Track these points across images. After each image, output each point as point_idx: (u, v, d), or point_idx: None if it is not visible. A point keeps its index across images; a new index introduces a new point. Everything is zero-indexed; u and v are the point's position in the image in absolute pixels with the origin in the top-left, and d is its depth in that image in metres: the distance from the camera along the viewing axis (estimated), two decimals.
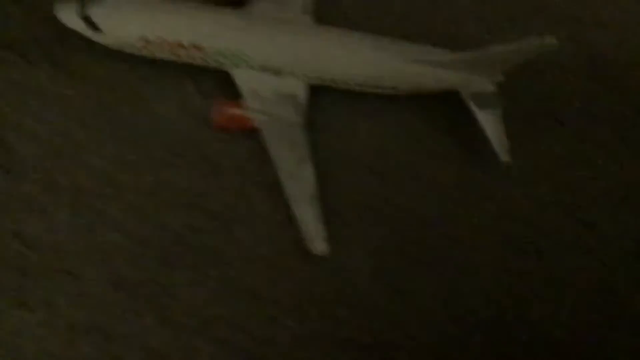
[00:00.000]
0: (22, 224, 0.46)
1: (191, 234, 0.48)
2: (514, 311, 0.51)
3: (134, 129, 0.50)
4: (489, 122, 0.53)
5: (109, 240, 0.47)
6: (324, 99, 0.53)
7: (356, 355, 0.48)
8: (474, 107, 0.53)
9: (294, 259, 0.49)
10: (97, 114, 0.50)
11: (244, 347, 0.47)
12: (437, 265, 0.51)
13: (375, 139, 0.54)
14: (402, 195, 0.53)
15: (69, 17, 0.48)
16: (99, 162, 0.48)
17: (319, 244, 0.47)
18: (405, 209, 0.52)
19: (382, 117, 0.55)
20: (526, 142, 0.57)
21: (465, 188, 0.54)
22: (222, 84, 0.51)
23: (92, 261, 0.47)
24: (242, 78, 0.51)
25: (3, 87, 0.49)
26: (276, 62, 0.50)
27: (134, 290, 0.47)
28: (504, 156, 0.52)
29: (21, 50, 0.50)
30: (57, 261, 0.46)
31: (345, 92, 0.53)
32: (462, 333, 0.50)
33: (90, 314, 0.45)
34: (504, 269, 0.52)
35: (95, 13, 0.47)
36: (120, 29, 0.48)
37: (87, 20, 0.48)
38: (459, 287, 0.51)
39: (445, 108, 0.56)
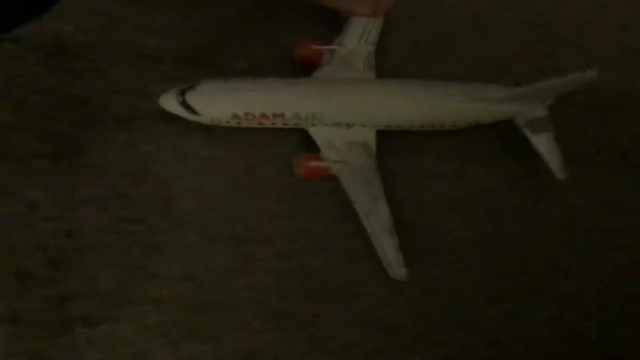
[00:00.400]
0: (191, 269, 0.55)
1: (328, 271, 0.56)
2: (625, 334, 0.56)
3: (275, 183, 0.59)
4: (543, 144, 0.58)
5: (260, 278, 0.55)
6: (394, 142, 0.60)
7: None
8: (528, 133, 0.59)
9: (416, 291, 0.56)
10: (244, 172, 0.59)
11: None
12: (546, 292, 0.57)
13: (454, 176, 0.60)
14: (503, 228, 0.59)
15: (171, 105, 0.56)
16: (249, 214, 0.57)
17: (398, 270, 0.53)
18: (508, 242, 0.59)
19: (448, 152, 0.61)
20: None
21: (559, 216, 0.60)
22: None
23: (247, 296, 0.55)
24: (318, 134, 0.58)
25: (167, 154, 0.59)
26: (346, 118, 0.57)
27: (284, 321, 0.54)
28: (560, 174, 0.57)
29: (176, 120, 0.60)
30: (219, 298, 0.55)
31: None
32: (572, 356, 0.56)
33: (249, 343, 0.53)
34: (612, 295, 0.58)
35: (191, 99, 0.56)
36: (213, 110, 0.56)
37: (185, 105, 0.56)
38: (566, 312, 0.57)
39: (504, 134, 0.61)
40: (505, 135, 0.61)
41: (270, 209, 0.58)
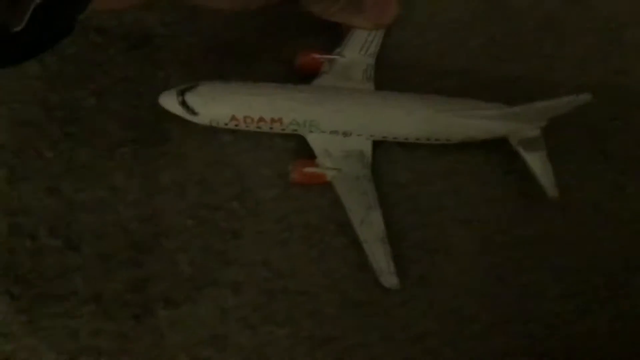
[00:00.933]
0: (269, 255, 0.56)
1: (402, 262, 0.57)
2: None
3: None
4: (536, 163, 0.58)
5: (336, 267, 0.56)
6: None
7: (544, 358, 0.54)
8: (522, 151, 0.59)
9: (488, 284, 0.57)
10: None
11: (451, 358, 0.54)
12: (620, 288, 0.57)
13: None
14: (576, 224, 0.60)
15: (170, 104, 0.56)
16: (325, 203, 0.58)
17: (390, 278, 0.54)
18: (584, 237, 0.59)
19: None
20: None
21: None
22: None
23: (324, 284, 0.56)
24: (315, 141, 0.58)
25: (244, 144, 0.60)
26: (344, 127, 0.58)
27: (358, 309, 0.55)
28: (552, 192, 0.57)
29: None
30: (296, 285, 0.56)
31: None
32: None
33: (326, 329, 0.54)
34: None
35: (191, 100, 0.56)
36: (212, 111, 0.56)
37: (185, 105, 0.56)
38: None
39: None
40: None
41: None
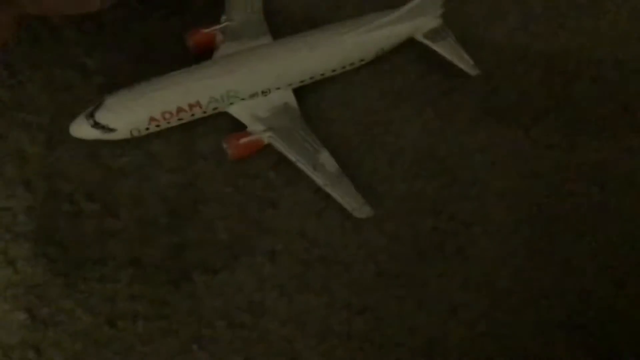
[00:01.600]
0: (305, 226, 0.56)
1: (437, 234, 0.56)
2: None
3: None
4: (447, 50, 0.59)
5: (373, 239, 0.56)
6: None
7: (579, 332, 0.54)
8: (430, 44, 0.60)
9: (521, 259, 0.56)
10: (354, 136, 0.59)
11: (485, 331, 0.54)
12: None
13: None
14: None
15: (84, 131, 0.54)
16: (361, 174, 0.57)
17: (363, 210, 0.54)
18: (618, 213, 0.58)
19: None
20: None
21: None
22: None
23: (359, 255, 0.55)
24: (239, 111, 0.57)
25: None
26: (260, 86, 0.57)
27: (394, 279, 0.55)
28: (472, 71, 0.59)
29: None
30: (332, 255, 0.55)
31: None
32: None
33: (361, 299, 0.54)
34: None
35: (103, 118, 0.53)
36: (128, 121, 0.54)
37: (98, 126, 0.54)
38: None
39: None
40: None
41: (381, 171, 0.58)
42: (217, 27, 0.60)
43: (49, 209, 0.55)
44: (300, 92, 0.59)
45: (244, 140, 0.56)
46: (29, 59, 0.59)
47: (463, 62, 0.59)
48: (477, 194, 0.58)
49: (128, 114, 0.54)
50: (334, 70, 0.59)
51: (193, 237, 0.54)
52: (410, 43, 0.62)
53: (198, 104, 0.55)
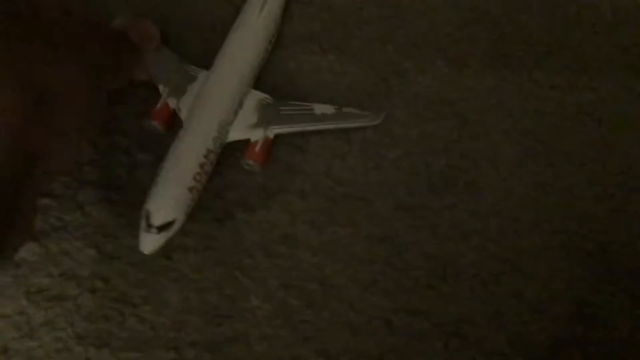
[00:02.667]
0: (331, 167, 0.62)
1: (450, 170, 0.61)
2: None
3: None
4: None
5: (391, 176, 0.61)
6: None
7: (579, 253, 0.59)
8: None
9: (530, 188, 0.61)
10: (373, 85, 0.64)
11: (495, 254, 0.59)
12: None
13: None
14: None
15: (154, 242, 0.54)
16: (379, 121, 0.63)
17: (377, 117, 0.61)
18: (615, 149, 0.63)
19: None
20: None
21: None
22: None
23: (379, 191, 0.61)
24: (235, 133, 0.60)
25: (306, 68, 0.65)
26: (235, 101, 0.60)
27: (411, 212, 0.60)
28: None
29: None
30: (355, 192, 0.61)
31: None
32: None
33: (382, 229, 0.60)
34: None
35: (159, 219, 0.53)
36: (177, 205, 0.54)
37: (162, 228, 0.54)
38: None
39: None
40: None
41: (397, 115, 0.63)
42: (163, 97, 0.60)
43: (109, 161, 0.62)
44: None
45: (258, 148, 0.59)
46: None
47: None
48: (485, 132, 0.63)
49: (173, 201, 0.54)
50: (267, 50, 0.62)
51: (232, 180, 0.61)
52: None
53: (209, 151, 0.57)
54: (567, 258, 0.59)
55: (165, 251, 0.58)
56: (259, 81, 0.63)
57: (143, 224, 0.54)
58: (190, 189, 0.55)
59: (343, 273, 0.59)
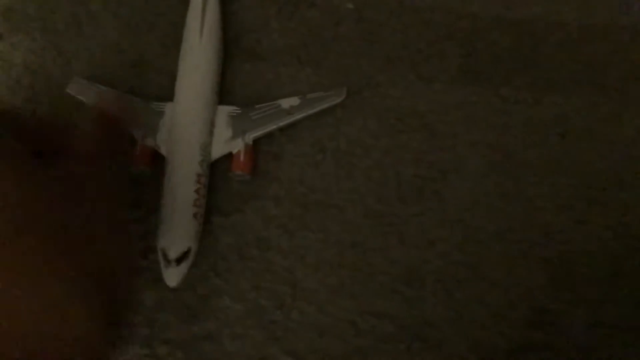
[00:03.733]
0: (304, 175, 0.63)
1: (418, 180, 0.63)
2: None
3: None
4: None
5: (362, 185, 0.63)
6: None
7: (540, 262, 0.60)
8: None
9: (494, 199, 0.62)
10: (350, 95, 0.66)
11: (459, 260, 0.60)
12: (610, 203, 0.62)
13: None
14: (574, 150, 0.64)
15: (177, 274, 0.55)
16: (353, 131, 0.64)
17: (339, 94, 0.64)
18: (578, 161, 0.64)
19: None
20: None
21: None
22: None
23: (350, 198, 0.62)
24: (216, 151, 0.61)
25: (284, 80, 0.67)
26: (207, 122, 0.61)
27: (380, 219, 0.62)
28: None
29: None
30: (327, 199, 0.62)
31: None
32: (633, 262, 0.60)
33: (352, 235, 0.61)
34: None
35: (175, 252, 0.55)
36: (186, 234, 0.56)
37: (180, 260, 0.55)
38: (630, 222, 0.61)
39: None
40: None
41: (369, 126, 0.64)
42: (139, 140, 0.61)
43: None
44: None
45: (242, 157, 0.60)
46: None
47: None
48: (453, 145, 0.64)
49: (182, 232, 0.56)
50: (219, 65, 0.64)
51: (210, 186, 0.62)
52: (389, 14, 0.68)
53: (199, 175, 0.58)
54: (527, 266, 0.60)
55: (143, 251, 0.59)
56: (237, 94, 0.65)
57: (162, 261, 0.55)
58: (195, 215, 0.57)
59: (313, 277, 0.60)
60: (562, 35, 0.67)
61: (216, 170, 0.62)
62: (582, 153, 0.63)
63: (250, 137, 0.62)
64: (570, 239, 0.61)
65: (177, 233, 0.56)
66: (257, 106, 0.63)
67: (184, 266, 0.56)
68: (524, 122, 0.65)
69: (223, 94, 0.65)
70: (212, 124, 0.62)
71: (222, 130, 0.62)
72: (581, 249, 0.61)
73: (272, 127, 0.62)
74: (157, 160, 0.61)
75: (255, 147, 0.62)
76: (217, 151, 0.61)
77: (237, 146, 0.61)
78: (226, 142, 0.61)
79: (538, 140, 0.64)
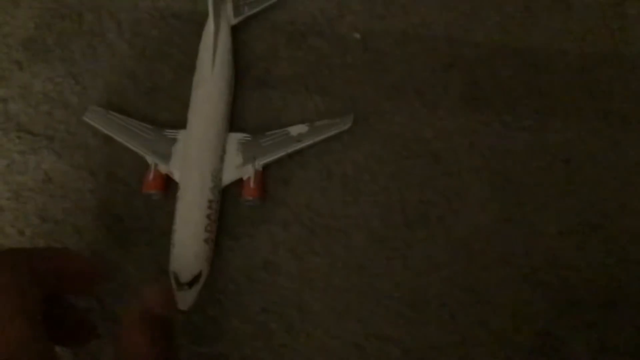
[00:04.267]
0: (312, 200, 0.64)
1: (423, 206, 0.63)
2: None
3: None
4: None
5: (367, 208, 0.64)
6: None
7: (542, 286, 0.60)
8: None
9: (497, 224, 0.63)
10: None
11: (463, 285, 0.61)
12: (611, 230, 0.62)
13: None
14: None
15: (189, 298, 0.55)
16: (360, 158, 0.65)
17: (345, 122, 0.64)
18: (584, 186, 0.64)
19: None
20: None
21: None
22: None
23: (356, 223, 0.63)
24: (227, 177, 0.62)
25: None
26: (218, 149, 0.63)
27: (385, 244, 0.62)
28: None
29: None
30: (334, 223, 0.63)
31: None
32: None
33: (358, 259, 0.62)
34: None
35: (186, 276, 0.56)
36: (198, 258, 0.57)
37: (192, 283, 0.56)
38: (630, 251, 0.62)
39: None
40: None
41: (377, 153, 0.65)
42: (152, 166, 0.63)
43: (108, 190, 0.65)
44: None
45: (252, 183, 0.61)
46: None
47: None
48: (457, 170, 0.65)
49: (193, 257, 0.57)
50: (230, 93, 0.65)
51: (221, 210, 0.63)
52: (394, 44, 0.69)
53: (210, 201, 0.59)
54: (531, 291, 0.60)
55: (156, 275, 0.61)
56: (247, 121, 0.67)
57: (174, 284, 0.56)
58: (206, 240, 0.58)
59: (320, 300, 0.61)
60: (564, 64, 0.68)
61: (227, 195, 0.63)
62: (585, 179, 0.64)
63: (260, 163, 0.63)
64: (572, 264, 0.61)
65: (189, 257, 0.57)
66: (266, 133, 0.64)
67: (195, 289, 0.57)
68: (527, 148, 0.65)
69: (233, 120, 0.66)
70: (223, 151, 0.63)
71: (233, 157, 0.63)
72: (583, 274, 0.61)
73: (281, 153, 0.63)
74: (170, 185, 0.63)
75: (264, 172, 0.63)
76: (228, 177, 0.62)
77: (248, 172, 0.62)
78: (237, 168, 0.63)
79: (541, 166, 0.64)
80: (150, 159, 0.63)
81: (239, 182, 0.63)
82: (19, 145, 0.67)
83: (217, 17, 0.65)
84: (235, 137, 0.64)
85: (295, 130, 0.64)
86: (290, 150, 0.63)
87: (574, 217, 0.63)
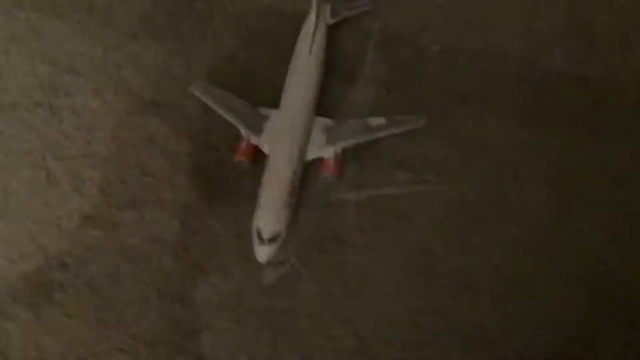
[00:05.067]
0: (380, 185, 0.70)
1: (482, 202, 0.70)
2: None
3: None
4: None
5: (431, 198, 0.70)
6: None
7: (589, 290, 0.66)
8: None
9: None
10: None
11: (513, 277, 0.67)
12: None
13: None
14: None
15: (267, 252, 0.63)
16: (430, 154, 0.72)
17: (419, 121, 0.70)
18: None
19: None
20: None
21: None
22: None
23: (420, 209, 0.69)
24: (311, 153, 0.69)
25: None
26: (305, 127, 0.70)
27: (445, 229, 0.68)
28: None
29: None
30: (400, 208, 0.69)
31: None
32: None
33: (419, 241, 0.68)
34: None
35: (269, 233, 0.63)
36: (280, 219, 0.64)
37: (272, 241, 0.63)
38: None
39: None
40: None
41: (442, 153, 0.72)
42: (246, 137, 0.69)
43: (202, 155, 0.72)
44: None
45: (331, 163, 0.68)
46: None
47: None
48: (515, 175, 0.71)
49: (276, 217, 0.64)
50: (321, 80, 0.72)
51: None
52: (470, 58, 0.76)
53: (295, 172, 0.66)
54: (574, 287, 0.66)
55: (238, 232, 0.67)
56: (329, 109, 0.73)
57: (255, 239, 0.63)
58: (288, 205, 0.65)
59: (382, 273, 0.67)
60: (621, 95, 0.74)
61: (307, 170, 0.70)
62: (633, 195, 0.70)
63: (340, 146, 0.69)
64: (613, 268, 0.67)
65: (272, 217, 0.64)
66: (348, 121, 0.71)
67: (274, 246, 0.63)
68: (581, 164, 0.71)
69: (319, 106, 0.73)
70: (309, 131, 0.70)
71: (317, 138, 0.70)
72: (622, 276, 0.66)
73: (360, 140, 0.70)
74: (258, 156, 0.70)
75: (342, 155, 0.70)
76: (312, 154, 0.69)
77: (329, 152, 0.69)
78: (320, 147, 0.69)
79: (592, 181, 0.70)
80: (244, 131, 0.70)
81: (319, 161, 0.70)
82: (127, 107, 0.74)
83: (318, 14, 0.73)
84: (320, 121, 0.71)
85: (375, 121, 0.70)
86: (368, 138, 0.70)
87: (618, 226, 0.69)
